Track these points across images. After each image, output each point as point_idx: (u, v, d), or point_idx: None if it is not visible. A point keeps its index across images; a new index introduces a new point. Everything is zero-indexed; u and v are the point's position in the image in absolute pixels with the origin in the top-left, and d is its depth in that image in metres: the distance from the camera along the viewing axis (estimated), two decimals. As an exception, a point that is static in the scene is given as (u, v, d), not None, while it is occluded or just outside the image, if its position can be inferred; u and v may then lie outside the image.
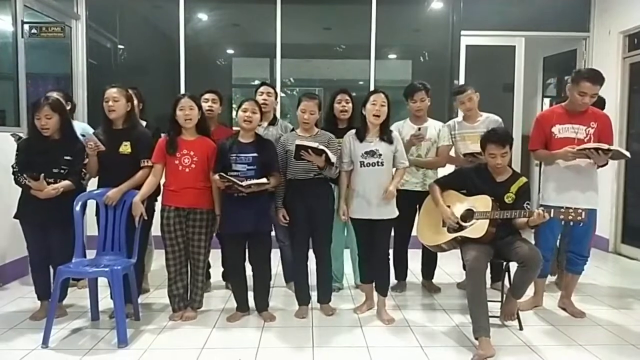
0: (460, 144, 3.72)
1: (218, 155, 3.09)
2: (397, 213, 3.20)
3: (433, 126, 3.72)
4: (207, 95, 3.64)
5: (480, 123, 3.65)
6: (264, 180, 2.97)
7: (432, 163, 3.71)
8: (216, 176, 2.95)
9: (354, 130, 3.23)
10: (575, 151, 3.07)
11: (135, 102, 3.45)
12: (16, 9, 4.30)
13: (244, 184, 2.91)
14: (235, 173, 3.00)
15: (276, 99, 3.84)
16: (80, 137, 3.05)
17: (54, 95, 3.64)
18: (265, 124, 3.66)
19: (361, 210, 3.15)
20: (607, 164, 3.14)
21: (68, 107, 3.75)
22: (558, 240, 3.62)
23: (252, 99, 3.23)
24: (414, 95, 3.67)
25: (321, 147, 2.98)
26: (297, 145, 2.98)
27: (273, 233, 3.29)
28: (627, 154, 3.09)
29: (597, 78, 3.10)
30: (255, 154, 3.06)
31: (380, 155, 3.10)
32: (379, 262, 3.23)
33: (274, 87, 3.83)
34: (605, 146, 3.00)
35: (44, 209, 3.01)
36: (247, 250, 3.23)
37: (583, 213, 2.75)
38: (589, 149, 3.02)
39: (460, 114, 3.87)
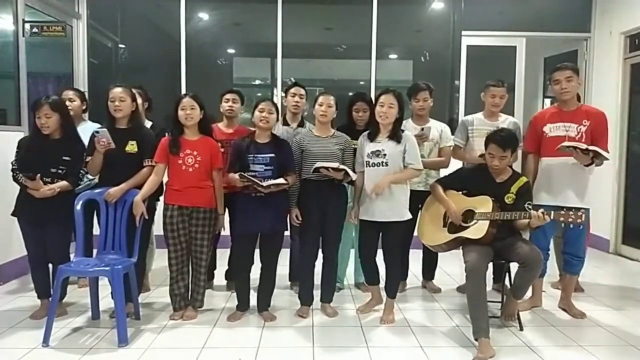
0: (477, 140, 3.58)
1: (235, 155, 3.10)
2: (407, 216, 3.14)
3: (435, 127, 3.71)
4: (228, 96, 3.63)
5: (501, 123, 3.58)
6: (282, 180, 2.98)
7: (436, 163, 3.70)
8: (236, 176, 2.95)
9: (367, 131, 3.22)
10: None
11: (140, 101, 3.46)
12: (17, 8, 4.30)
13: (264, 184, 2.92)
14: (252, 173, 3.01)
15: (306, 99, 3.79)
16: (94, 134, 3.04)
17: (70, 94, 3.66)
18: (294, 125, 3.67)
19: (366, 211, 3.14)
20: (592, 163, 3.10)
21: (84, 107, 3.78)
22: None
23: (269, 99, 3.23)
24: (418, 95, 3.67)
25: (342, 166, 3.00)
26: (315, 168, 3.00)
27: (287, 232, 3.29)
28: (607, 155, 3.04)
29: (563, 65, 3.27)
30: (272, 155, 3.06)
31: (385, 155, 3.08)
32: (388, 265, 3.21)
33: (304, 88, 3.76)
34: (584, 146, 3.00)
35: (42, 206, 3.02)
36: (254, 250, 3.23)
37: (583, 215, 2.75)
38: (569, 146, 3.02)
39: (476, 117, 3.73)
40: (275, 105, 3.15)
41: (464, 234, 3.01)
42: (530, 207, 2.93)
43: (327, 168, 2.99)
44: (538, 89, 6.38)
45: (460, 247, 3.08)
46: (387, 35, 5.57)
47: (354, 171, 3.13)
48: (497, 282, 3.77)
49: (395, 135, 3.11)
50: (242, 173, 2.95)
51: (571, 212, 2.79)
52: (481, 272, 2.85)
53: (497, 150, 2.97)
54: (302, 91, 3.71)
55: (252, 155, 3.05)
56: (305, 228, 3.22)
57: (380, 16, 5.48)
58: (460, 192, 3.18)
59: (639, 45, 5.00)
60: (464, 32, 5.55)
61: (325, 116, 3.18)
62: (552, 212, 2.82)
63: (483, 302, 2.82)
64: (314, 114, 3.25)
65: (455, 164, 3.73)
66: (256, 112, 3.09)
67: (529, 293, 3.30)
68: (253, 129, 3.21)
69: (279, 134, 3.29)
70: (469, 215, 3.04)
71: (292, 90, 3.70)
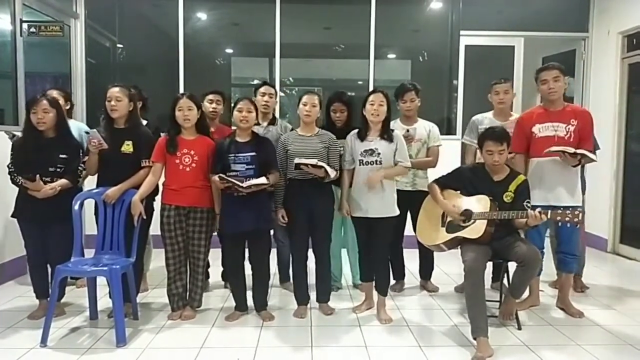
0: None
1: (216, 155, 3.08)
2: (396, 212, 3.20)
3: (423, 126, 3.73)
4: (211, 96, 3.63)
5: (511, 122, 3.54)
6: (263, 179, 2.97)
7: (424, 163, 3.71)
8: (216, 177, 2.95)
9: (356, 130, 3.24)
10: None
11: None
12: (15, 8, 4.30)
13: (244, 184, 2.91)
14: (234, 173, 3.00)
15: (276, 98, 3.83)
16: (84, 134, 3.05)
17: (54, 93, 3.64)
18: (265, 123, 3.66)
19: (359, 208, 3.16)
20: (579, 164, 3.17)
21: (67, 107, 3.76)
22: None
23: (247, 98, 3.21)
24: (404, 96, 3.69)
25: (320, 163, 3.00)
26: (296, 164, 3.00)
27: (272, 232, 3.29)
28: (594, 157, 3.13)
29: (549, 65, 3.30)
30: (253, 153, 3.06)
31: (379, 154, 3.11)
32: (378, 261, 3.24)
33: (274, 87, 3.79)
34: (572, 150, 3.05)
35: (42, 206, 3.02)
36: (246, 250, 3.23)
37: (580, 215, 2.76)
38: (557, 151, 3.07)
39: (486, 116, 3.74)
40: (254, 104, 3.15)
41: (462, 233, 3.01)
42: (529, 205, 2.94)
43: (306, 164, 2.99)
44: (536, 89, 6.38)
45: (459, 247, 3.08)
46: (386, 35, 5.57)
47: (338, 169, 3.14)
48: (495, 281, 3.77)
49: (387, 133, 3.14)
50: (222, 175, 2.94)
51: (568, 212, 2.79)
52: (479, 271, 2.85)
53: (494, 145, 2.98)
54: (272, 90, 3.72)
55: (233, 155, 3.04)
56: (293, 228, 3.22)
57: (378, 16, 5.48)
58: (458, 192, 3.19)
59: (636, 45, 5.01)
60: (462, 32, 5.56)
61: (309, 116, 3.19)
62: (549, 212, 2.82)
63: (481, 301, 2.82)
64: (298, 113, 3.25)
65: (443, 164, 3.70)
66: (235, 112, 3.08)
67: (526, 292, 3.30)
68: (234, 127, 3.21)
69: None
70: (467, 214, 3.04)
71: (262, 89, 3.70)
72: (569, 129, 3.20)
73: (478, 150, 3.64)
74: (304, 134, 3.23)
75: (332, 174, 3.05)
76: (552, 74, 3.23)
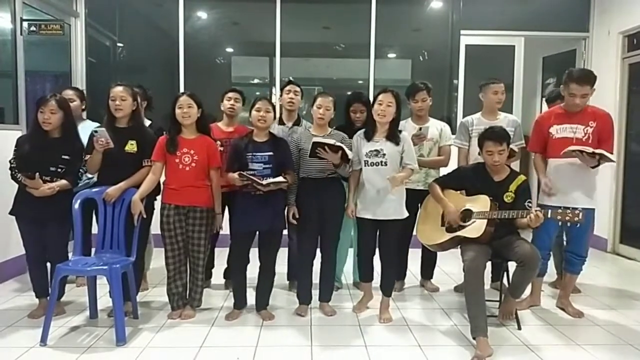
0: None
1: (233, 154, 3.09)
2: (405, 214, 3.17)
3: (435, 126, 3.72)
4: (230, 94, 3.63)
5: (500, 121, 3.54)
6: (282, 179, 2.98)
7: (435, 162, 3.71)
8: (236, 175, 2.95)
9: (363, 130, 3.23)
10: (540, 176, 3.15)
11: (139, 100, 3.45)
12: (15, 6, 4.29)
13: (264, 182, 2.92)
14: (251, 172, 3.01)
15: (302, 97, 3.80)
16: (93, 133, 3.04)
17: (69, 93, 3.64)
18: (290, 124, 3.66)
19: (366, 209, 3.14)
20: (598, 165, 3.13)
21: (83, 107, 3.77)
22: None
23: (266, 97, 3.22)
24: (416, 95, 3.67)
25: (338, 143, 2.98)
26: (314, 143, 2.97)
27: (285, 231, 3.28)
28: (613, 158, 3.08)
29: (584, 79, 3.10)
30: (270, 153, 3.06)
31: (384, 155, 3.09)
32: (384, 262, 3.22)
33: (299, 85, 3.76)
34: (590, 149, 3.01)
35: (40, 204, 3.02)
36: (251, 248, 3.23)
37: (580, 214, 2.75)
38: (575, 151, 3.04)
39: (474, 117, 3.73)
40: (272, 104, 3.14)
41: (462, 233, 3.01)
42: (530, 205, 2.93)
43: (324, 145, 2.97)
44: (536, 89, 6.39)
45: (459, 246, 3.08)
46: (386, 35, 5.57)
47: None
48: (495, 281, 3.78)
49: (394, 135, 3.12)
50: (242, 172, 2.95)
51: (568, 211, 2.79)
52: (479, 270, 2.85)
53: (494, 146, 2.98)
54: (297, 88, 3.71)
55: (250, 154, 3.05)
56: (303, 227, 3.21)
57: (378, 15, 5.48)
58: (459, 192, 3.19)
59: (637, 44, 5.01)
60: (462, 32, 5.56)
61: (323, 119, 3.18)
62: (550, 211, 2.82)
63: (481, 300, 2.82)
64: (312, 114, 3.25)
65: (454, 163, 3.73)
66: (253, 112, 3.09)
67: (527, 292, 3.30)
68: (251, 127, 3.21)
69: (275, 133, 3.28)
70: (467, 214, 3.04)
71: (287, 87, 3.70)
72: (587, 130, 3.16)
73: (469, 153, 3.66)
74: (317, 134, 3.22)
75: (350, 155, 3.04)
76: (582, 91, 3.09)
